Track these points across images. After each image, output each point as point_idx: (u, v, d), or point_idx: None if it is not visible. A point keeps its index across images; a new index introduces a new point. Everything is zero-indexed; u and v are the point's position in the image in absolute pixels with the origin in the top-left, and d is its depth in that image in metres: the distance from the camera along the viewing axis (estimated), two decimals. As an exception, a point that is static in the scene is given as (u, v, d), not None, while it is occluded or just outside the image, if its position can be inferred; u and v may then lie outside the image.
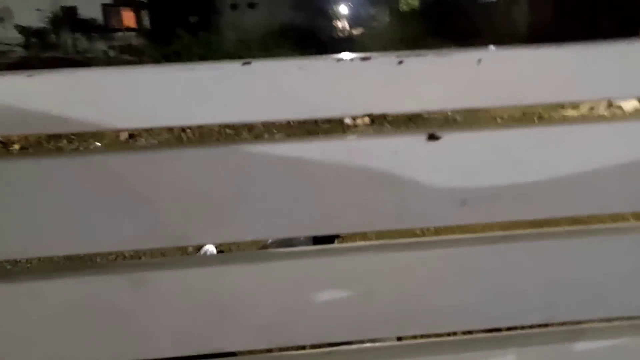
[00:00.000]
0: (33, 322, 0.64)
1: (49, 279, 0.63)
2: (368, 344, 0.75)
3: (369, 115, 0.63)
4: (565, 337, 0.78)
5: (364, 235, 0.67)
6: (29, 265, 0.61)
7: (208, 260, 0.66)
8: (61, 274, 0.63)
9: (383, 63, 0.62)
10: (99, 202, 0.62)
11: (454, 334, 0.77)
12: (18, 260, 0.62)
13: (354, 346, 0.74)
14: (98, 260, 0.56)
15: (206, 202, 0.64)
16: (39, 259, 0.59)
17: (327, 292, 0.69)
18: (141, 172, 0.62)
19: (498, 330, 0.75)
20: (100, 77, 0.59)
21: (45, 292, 0.63)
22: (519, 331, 0.76)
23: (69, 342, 0.65)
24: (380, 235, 0.70)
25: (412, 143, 0.66)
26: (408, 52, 0.64)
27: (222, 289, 0.67)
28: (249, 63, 0.60)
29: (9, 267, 0.60)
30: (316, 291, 0.69)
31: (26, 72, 0.57)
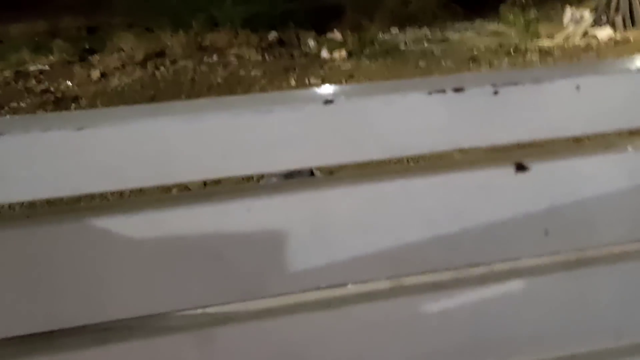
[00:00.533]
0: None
1: (107, 345, 0.57)
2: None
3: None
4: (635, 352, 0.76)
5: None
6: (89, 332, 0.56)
7: (277, 311, 0.60)
8: (122, 336, 0.57)
9: (478, 94, 0.55)
10: (162, 259, 0.55)
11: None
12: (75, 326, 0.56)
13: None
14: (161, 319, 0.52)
15: (279, 249, 0.57)
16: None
17: (401, 331, 0.65)
18: (207, 224, 0.55)
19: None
20: (164, 126, 0.50)
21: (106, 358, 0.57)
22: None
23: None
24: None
25: (500, 175, 0.60)
26: (502, 79, 0.56)
27: (293, 338, 0.62)
28: (331, 102, 0.52)
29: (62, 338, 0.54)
30: (391, 332, 0.64)
31: (76, 125, 0.48)
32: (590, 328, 0.71)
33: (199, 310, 0.58)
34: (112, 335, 0.57)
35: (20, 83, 4.85)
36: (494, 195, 0.61)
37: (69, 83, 4.76)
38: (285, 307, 0.61)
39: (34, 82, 4.83)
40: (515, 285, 0.67)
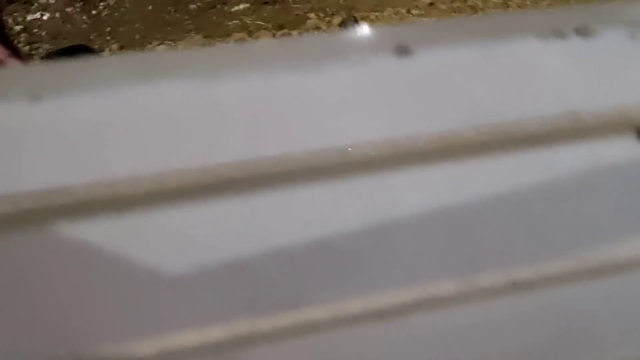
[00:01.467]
0: None
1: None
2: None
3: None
4: None
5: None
6: None
7: (315, 325, 0.46)
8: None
9: (609, 38, 0.39)
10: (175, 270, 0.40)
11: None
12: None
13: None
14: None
15: (328, 252, 0.43)
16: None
17: (472, 342, 0.52)
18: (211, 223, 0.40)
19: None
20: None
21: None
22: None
23: None
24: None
25: (616, 146, 0.45)
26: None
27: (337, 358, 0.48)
28: (407, 52, 0.36)
29: None
30: (460, 344, 0.51)
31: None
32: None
33: (219, 330, 0.44)
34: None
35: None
36: (604, 170, 0.46)
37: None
38: (325, 321, 0.47)
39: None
40: (611, 280, 0.53)
